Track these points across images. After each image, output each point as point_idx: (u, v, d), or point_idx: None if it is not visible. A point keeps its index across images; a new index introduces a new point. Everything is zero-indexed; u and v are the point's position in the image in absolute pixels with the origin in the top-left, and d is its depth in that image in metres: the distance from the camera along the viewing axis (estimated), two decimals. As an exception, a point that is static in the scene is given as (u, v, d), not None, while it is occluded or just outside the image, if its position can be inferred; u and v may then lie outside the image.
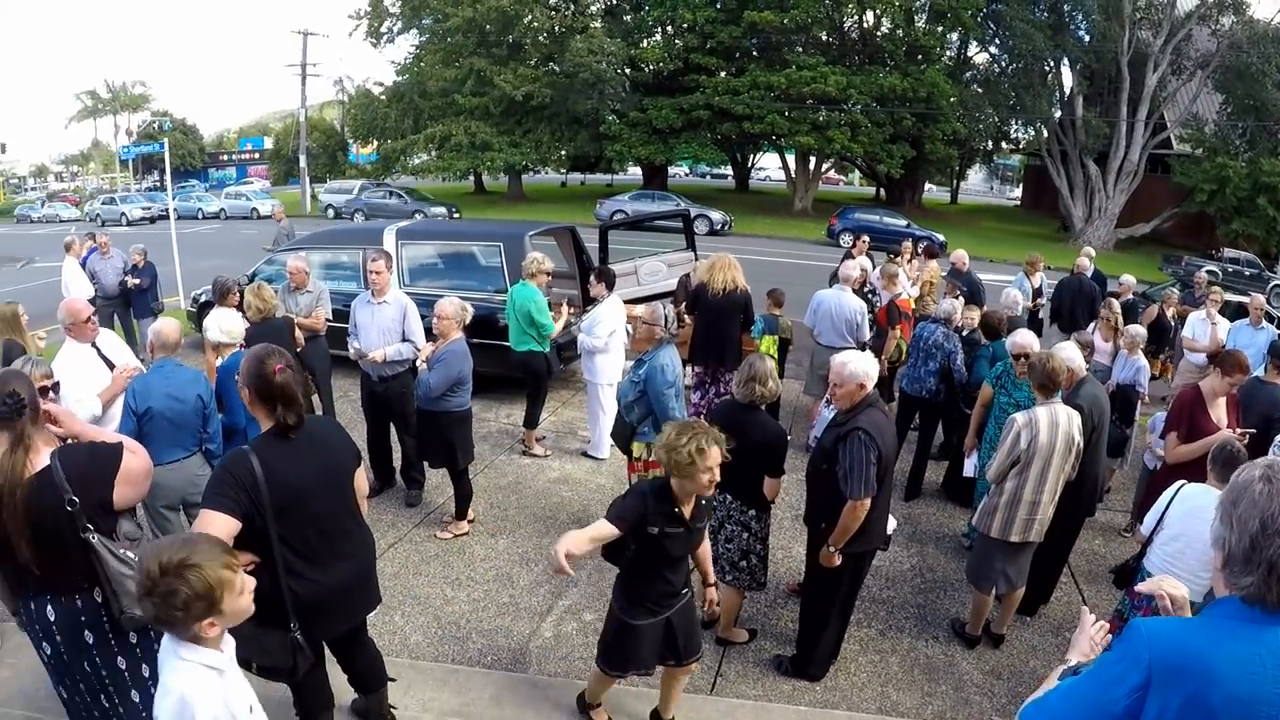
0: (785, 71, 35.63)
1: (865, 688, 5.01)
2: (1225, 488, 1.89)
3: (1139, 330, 8.00)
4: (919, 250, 12.31)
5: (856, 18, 39.98)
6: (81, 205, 51.92)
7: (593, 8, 43.23)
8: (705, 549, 4.15)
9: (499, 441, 8.72)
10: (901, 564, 6.51)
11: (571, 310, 9.31)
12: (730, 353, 8.45)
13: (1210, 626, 1.83)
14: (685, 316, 8.56)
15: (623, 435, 6.05)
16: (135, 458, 3.32)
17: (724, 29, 37.01)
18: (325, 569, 3.46)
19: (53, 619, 3.27)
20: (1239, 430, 5.47)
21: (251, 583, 2.38)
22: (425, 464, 7.02)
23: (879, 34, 39.34)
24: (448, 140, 39.59)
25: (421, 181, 48.24)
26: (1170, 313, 10.62)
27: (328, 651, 3.91)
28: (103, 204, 42.86)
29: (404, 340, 6.94)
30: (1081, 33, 36.53)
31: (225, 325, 5.93)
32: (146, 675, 3.44)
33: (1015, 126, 42.48)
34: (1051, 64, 37.07)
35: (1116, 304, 8.98)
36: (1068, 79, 37.20)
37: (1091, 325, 9.23)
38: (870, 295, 9.51)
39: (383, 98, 46.15)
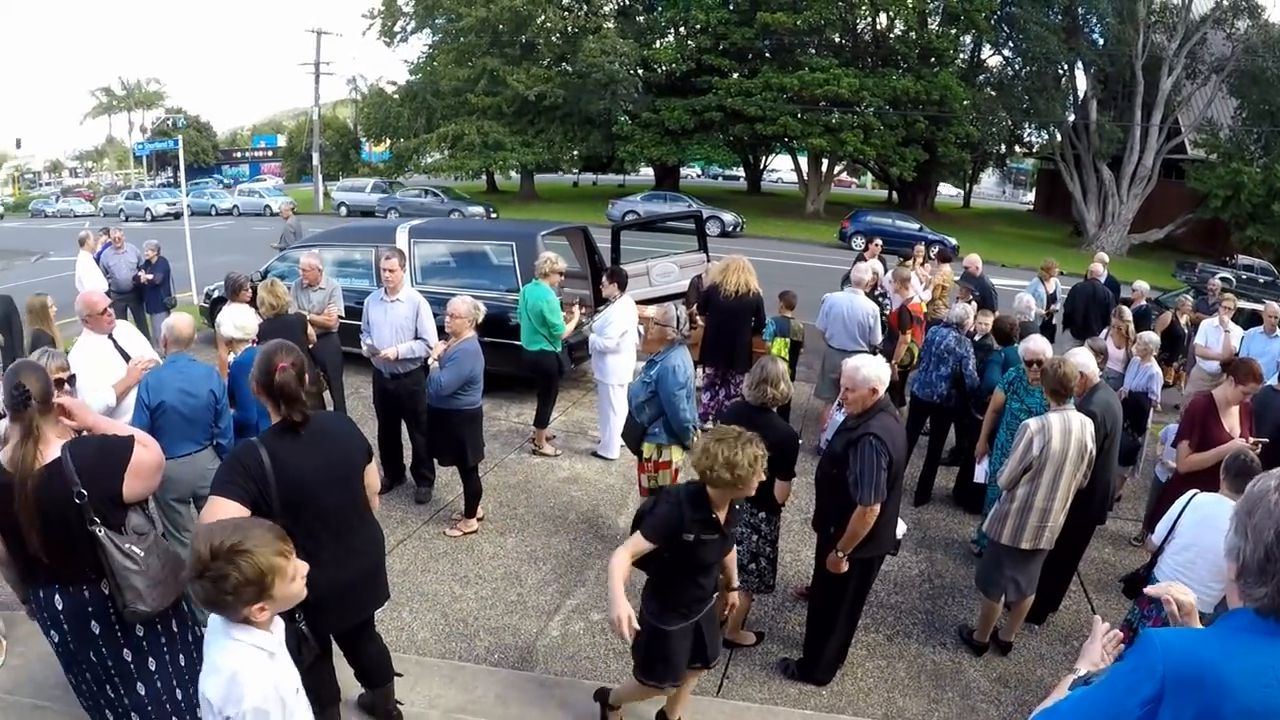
0: (798, 73, 35.56)
1: (872, 693, 5.00)
2: (1240, 498, 1.88)
3: (1152, 337, 7.97)
4: (931, 254, 12.27)
5: (870, 20, 39.87)
6: (96, 200, 52.17)
7: (605, 8, 43.28)
8: (731, 553, 4.14)
9: (509, 440, 8.74)
10: (910, 569, 6.49)
11: (583, 310, 9.31)
12: (740, 355, 8.45)
13: (1224, 638, 1.82)
14: (697, 318, 8.56)
15: (633, 436, 6.06)
16: (146, 451, 3.34)
17: (737, 30, 36.93)
18: (332, 564, 3.47)
19: (60, 608, 3.31)
20: (1252, 440, 5.44)
21: (304, 569, 2.38)
22: (435, 461, 7.02)
23: (892, 36, 39.23)
24: (460, 139, 39.65)
25: (434, 180, 48.38)
26: (1184, 320, 10.58)
27: (335, 645, 3.94)
28: (126, 199, 42.93)
29: (416, 338, 6.97)
30: (1095, 36, 36.32)
31: (239, 321, 5.96)
32: (153, 669, 3.48)
33: (1028, 130, 42.30)
34: (1065, 67, 36.82)
35: (1128, 312, 8.94)
36: (1081, 82, 36.91)
37: (1104, 331, 9.19)
38: (881, 299, 9.48)
39: (396, 97, 46.33)
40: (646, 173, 52.61)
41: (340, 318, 8.28)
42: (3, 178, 77.19)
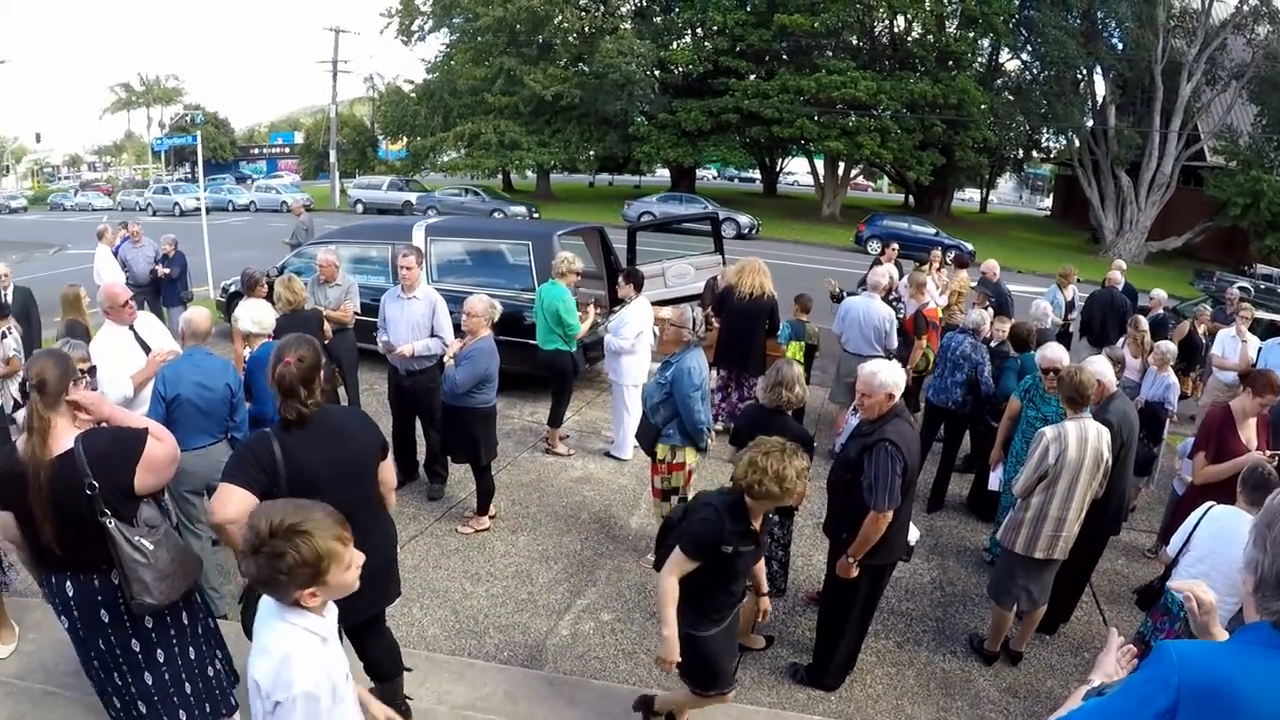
0: (815, 75, 35.56)
1: (880, 700, 4.98)
2: (1260, 511, 1.87)
3: (1169, 347, 7.91)
4: (948, 259, 12.23)
5: (887, 22, 39.80)
6: (114, 195, 52.58)
7: (622, 9, 43.33)
8: (760, 559, 4.13)
9: (522, 439, 8.75)
10: (922, 576, 6.47)
11: (598, 311, 9.31)
12: (754, 358, 8.45)
13: (1240, 651, 1.81)
14: (713, 320, 8.55)
15: (647, 437, 6.05)
16: (160, 445, 3.36)
17: (754, 32, 36.91)
18: None
19: (71, 595, 3.35)
20: (1269, 452, 5.39)
21: (360, 558, 2.36)
22: (449, 459, 7.05)
23: (910, 39, 39.15)
24: (477, 138, 39.79)
25: (451, 180, 48.52)
26: (1202, 330, 10.50)
27: (344, 638, 3.95)
28: (155, 194, 42.93)
29: (432, 335, 6.98)
30: (1115, 40, 36.05)
31: (257, 316, 5.98)
32: (161, 660, 3.50)
33: (1046, 135, 42.13)
34: (1084, 72, 36.60)
35: (1144, 321, 8.89)
36: (1100, 87, 36.71)
37: (1121, 340, 9.15)
38: (895, 303, 9.45)
39: (413, 95, 46.58)
40: (662, 174, 52.64)
41: (356, 314, 8.32)
42: (22, 171, 77.86)
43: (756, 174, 57.40)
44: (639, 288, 7.96)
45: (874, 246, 26.19)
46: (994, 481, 6.77)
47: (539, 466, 8.12)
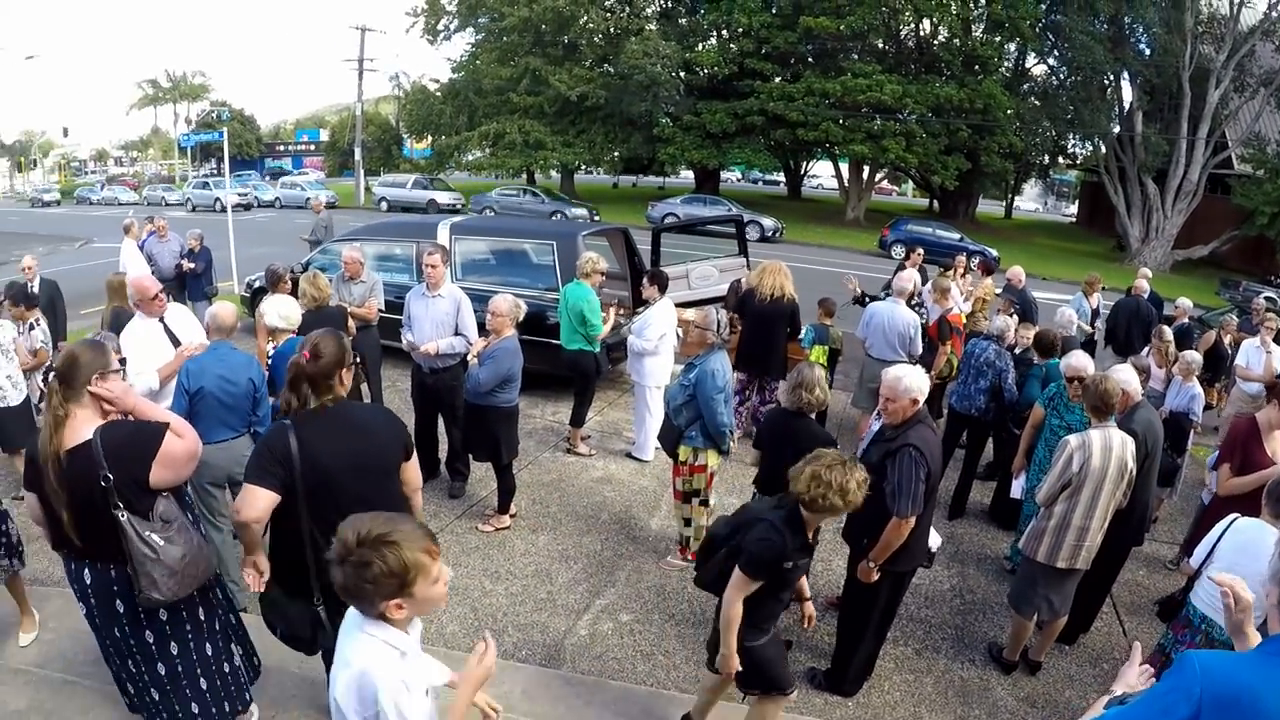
0: (841, 79, 35.49)
1: (898, 706, 4.96)
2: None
3: (1194, 356, 7.83)
4: (972, 265, 12.17)
5: (913, 26, 39.74)
6: (140, 189, 53.05)
7: (648, 10, 43.48)
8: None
9: (544, 438, 8.77)
10: (941, 584, 6.44)
11: (622, 312, 9.31)
12: (775, 361, 8.42)
13: (1263, 663, 1.81)
14: (736, 322, 8.55)
15: (670, 438, 6.06)
16: (179, 441, 3.37)
17: (780, 34, 36.88)
18: None
19: (89, 583, 3.39)
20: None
21: (448, 574, 2.32)
22: (470, 457, 7.07)
23: (936, 43, 39.02)
24: (502, 138, 40.00)
25: (474, 178, 48.66)
26: (1228, 340, 10.41)
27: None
28: (195, 188, 42.74)
29: (456, 334, 6.99)
30: (1142, 46, 35.69)
31: (284, 311, 6.02)
32: (175, 652, 3.54)
33: (1073, 141, 41.85)
34: (1111, 77, 36.35)
35: (1168, 331, 8.81)
36: (1127, 93, 36.40)
37: (1146, 349, 9.08)
38: (919, 309, 9.41)
39: (438, 94, 46.94)
40: (686, 175, 52.63)
41: (380, 311, 8.36)
42: (49, 165, 78.67)
43: (781, 177, 57.31)
44: (663, 289, 7.96)
45: (898, 251, 26.09)
46: (1016, 489, 6.72)
47: (560, 466, 8.14)
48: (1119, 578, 6.00)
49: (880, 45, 39.62)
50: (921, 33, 39.85)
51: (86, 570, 3.38)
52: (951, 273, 10.83)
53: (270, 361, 6.08)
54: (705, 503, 6.10)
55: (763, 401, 8.70)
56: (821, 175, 67.56)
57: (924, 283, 10.18)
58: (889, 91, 34.29)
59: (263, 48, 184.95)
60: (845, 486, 3.44)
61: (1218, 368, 10.11)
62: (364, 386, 8.07)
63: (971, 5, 37.57)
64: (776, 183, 63.96)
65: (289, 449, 3.31)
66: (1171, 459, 7.14)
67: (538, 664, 5.06)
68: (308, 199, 40.79)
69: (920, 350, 8.32)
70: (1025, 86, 40.30)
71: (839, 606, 5.24)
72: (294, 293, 7.21)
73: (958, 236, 29.50)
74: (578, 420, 8.46)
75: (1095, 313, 10.97)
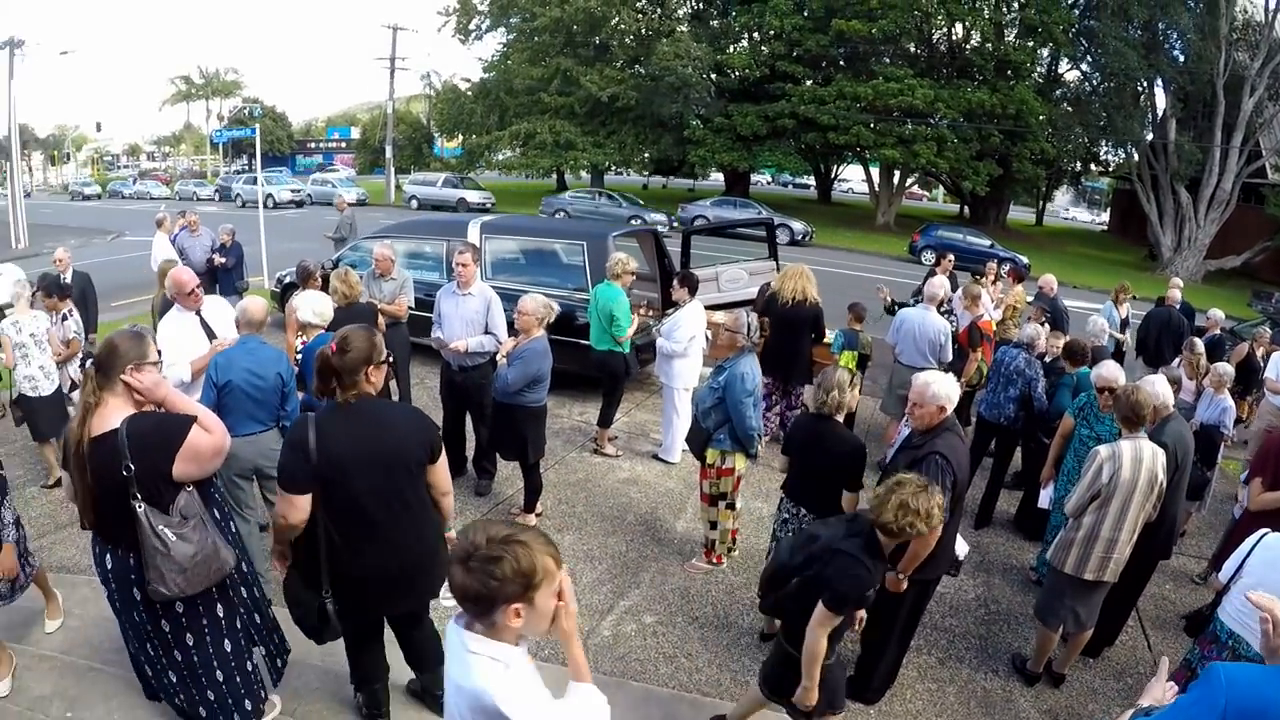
0: (872, 82, 35.32)
1: (920, 716, 4.94)
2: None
3: (1227, 369, 7.74)
4: (1003, 272, 12.10)
5: (946, 30, 39.45)
6: (172, 184, 53.63)
7: (680, 11, 43.47)
8: None
9: (571, 438, 8.80)
10: (966, 593, 6.41)
11: (650, 313, 9.31)
12: (799, 367, 8.40)
13: (1289, 677, 1.81)
14: (766, 326, 8.53)
15: (698, 441, 6.05)
16: (206, 436, 3.38)
17: (811, 37, 36.71)
18: (362, 550, 3.54)
19: (109, 568, 3.44)
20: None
21: (570, 587, 2.25)
22: (497, 455, 7.11)
23: (968, 47, 38.68)
24: (532, 138, 40.12)
25: (505, 178, 48.78)
26: (1260, 352, 10.29)
27: (388, 630, 4.05)
28: (244, 183, 42.28)
29: (486, 332, 7.02)
30: (1176, 52, 35.37)
31: (318, 307, 6.08)
32: (190, 643, 3.56)
33: (1105, 148, 41.48)
34: (1144, 84, 36.01)
35: (1199, 344, 8.71)
36: (1161, 100, 35.97)
37: (1177, 360, 8.99)
38: (948, 315, 9.36)
39: (469, 93, 47.20)
40: (716, 177, 52.56)
41: (410, 309, 8.42)
42: (82, 159, 79.71)
43: (811, 180, 57.10)
44: (693, 291, 7.95)
45: (928, 257, 25.95)
46: (1044, 500, 6.67)
47: (587, 466, 8.17)
48: (1145, 591, 5.93)
49: (912, 49, 39.40)
50: (954, 37, 39.56)
51: (108, 556, 3.43)
52: (983, 279, 10.77)
53: (299, 357, 6.15)
54: (732, 506, 6.10)
55: (788, 406, 8.68)
56: (852, 179, 67.32)
57: (954, 289, 10.13)
58: (920, 96, 34.08)
59: (295, 45, 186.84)
60: (931, 512, 3.44)
61: (1249, 380, 9.98)
62: (392, 384, 8.12)
63: (1004, 10, 37.35)
64: (806, 186, 63.76)
65: (306, 437, 3.37)
66: (1201, 472, 7.07)
67: (559, 663, 5.07)
68: (338, 195, 41.23)
69: (950, 357, 8.29)
70: (1058, 92, 39.97)
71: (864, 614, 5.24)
72: (324, 288, 7.27)
73: (988, 243, 29.23)
74: (605, 421, 8.48)
75: (1124, 322, 10.88)
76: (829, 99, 36.02)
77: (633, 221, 30.71)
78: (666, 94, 37.57)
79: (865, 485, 4.92)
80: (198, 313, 5.78)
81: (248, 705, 3.77)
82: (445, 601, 4.90)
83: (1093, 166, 45.86)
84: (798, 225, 32.86)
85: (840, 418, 4.92)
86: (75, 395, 6.94)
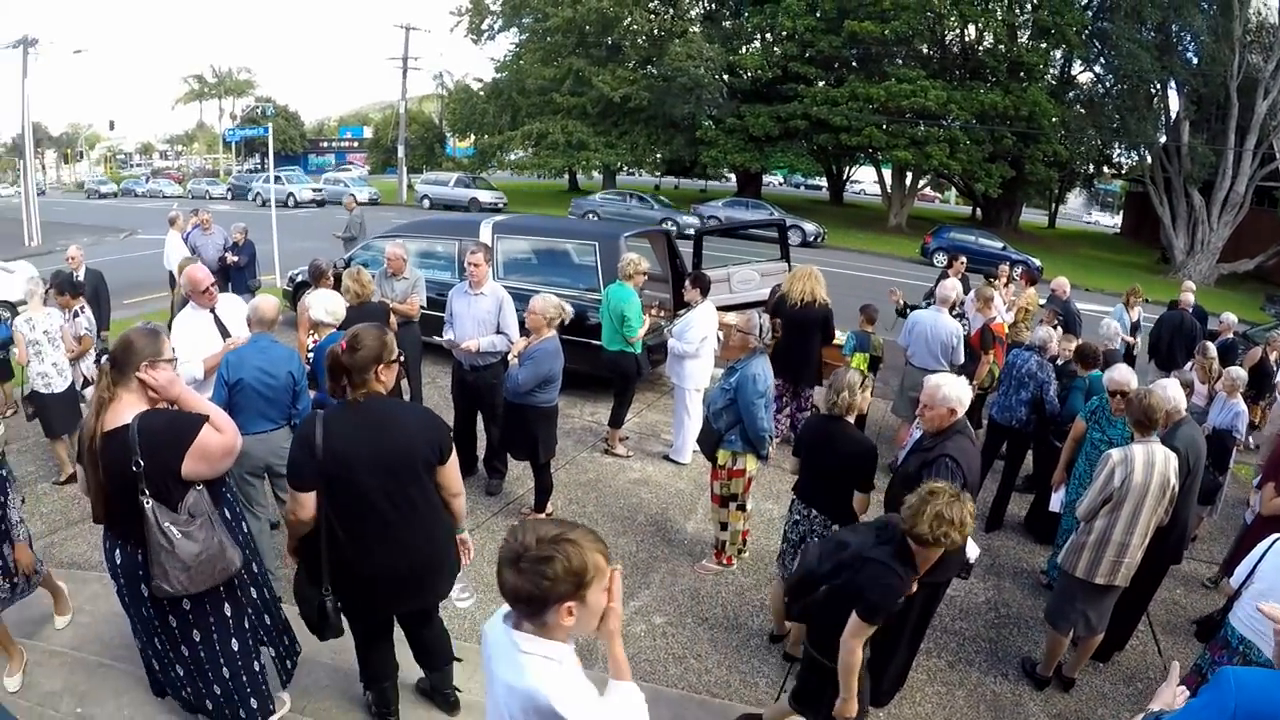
0: (885, 84, 35.25)
1: (929, 719, 4.95)
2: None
3: (1240, 373, 7.70)
4: (1015, 274, 12.07)
5: (958, 31, 39.34)
6: (184, 183, 53.91)
7: (692, 12, 43.41)
8: None
9: (582, 438, 8.82)
10: (976, 596, 6.39)
11: (662, 314, 9.31)
12: (808, 370, 8.39)
13: (1299, 680, 1.81)
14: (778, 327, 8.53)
15: (709, 442, 6.04)
16: (217, 436, 3.40)
17: (824, 38, 36.64)
18: (370, 549, 3.55)
19: (118, 563, 3.47)
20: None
21: (619, 585, 2.23)
22: (508, 455, 7.11)
23: (981, 49, 38.54)
24: (544, 138, 40.18)
25: (517, 178, 48.82)
26: (1274, 356, 10.24)
27: (398, 629, 4.06)
28: (265, 182, 41.75)
29: (498, 332, 7.04)
30: (1190, 54, 34.99)
31: (330, 306, 6.11)
32: (197, 639, 3.58)
33: (1118, 150, 41.29)
34: (1158, 86, 35.75)
35: (1212, 348, 8.68)
36: (1174, 102, 35.77)
37: (1189, 364, 8.96)
38: (960, 318, 9.34)
39: (481, 93, 47.28)
40: (728, 178, 52.52)
41: (422, 308, 8.44)
42: (95, 157, 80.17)
43: (823, 181, 57.03)
44: (705, 292, 7.95)
45: (940, 259, 25.92)
46: (1055, 503, 6.63)
47: (598, 466, 8.17)
48: (1156, 596, 5.91)
49: (925, 50, 39.28)
50: (966, 38, 39.43)
51: (117, 550, 3.45)
52: (995, 282, 10.75)
53: (311, 355, 6.17)
54: (742, 507, 6.09)
55: (799, 408, 8.68)
56: (864, 181, 67.22)
57: (966, 291, 10.11)
58: (933, 97, 33.99)
59: (308, 45, 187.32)
60: (965, 521, 3.41)
61: (1262, 385, 9.94)
62: (404, 383, 8.15)
63: (1017, 11, 37.20)
64: (818, 187, 63.69)
65: (313, 434, 3.40)
66: (1213, 477, 7.04)
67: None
68: (350, 195, 41.24)
69: (962, 360, 8.28)
70: (1071, 94, 39.79)
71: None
72: (336, 287, 7.29)
73: (1000, 245, 29.12)
74: (616, 421, 8.49)
75: (1135, 325, 10.84)
76: (841, 100, 35.96)
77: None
78: (679, 94, 37.55)
79: (876, 486, 4.91)
80: (212, 310, 5.80)
81: (253, 703, 3.78)
82: (459, 603, 4.93)
83: (1105, 169, 45.66)
84: (810, 226, 32.78)
85: (851, 419, 4.91)
86: (87, 392, 6.99)
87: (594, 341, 8.42)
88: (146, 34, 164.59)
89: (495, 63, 48.05)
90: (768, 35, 41.59)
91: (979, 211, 46.40)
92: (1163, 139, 35.42)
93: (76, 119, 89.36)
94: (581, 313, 9.12)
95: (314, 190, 41.02)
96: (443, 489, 3.73)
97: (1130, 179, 44.61)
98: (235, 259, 12.15)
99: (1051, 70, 39.50)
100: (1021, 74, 36.64)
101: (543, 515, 6.76)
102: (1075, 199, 71.14)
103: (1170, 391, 5.28)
